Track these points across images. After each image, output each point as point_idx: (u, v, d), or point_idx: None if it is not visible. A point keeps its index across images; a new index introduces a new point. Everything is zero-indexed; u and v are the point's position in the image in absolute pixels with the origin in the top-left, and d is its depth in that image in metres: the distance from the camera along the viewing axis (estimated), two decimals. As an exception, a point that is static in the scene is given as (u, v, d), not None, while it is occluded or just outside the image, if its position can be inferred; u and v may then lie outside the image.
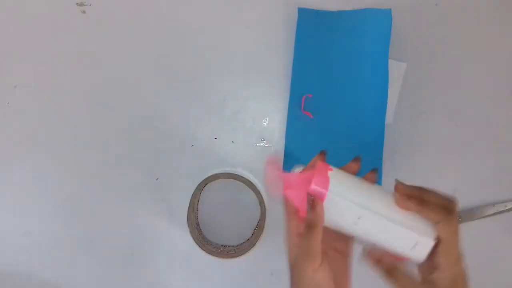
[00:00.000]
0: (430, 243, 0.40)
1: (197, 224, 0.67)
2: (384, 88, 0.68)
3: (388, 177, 0.68)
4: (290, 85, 0.69)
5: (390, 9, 0.69)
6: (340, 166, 0.47)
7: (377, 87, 0.69)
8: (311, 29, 0.70)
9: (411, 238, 0.41)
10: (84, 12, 0.70)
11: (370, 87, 0.69)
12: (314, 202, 0.42)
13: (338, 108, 0.69)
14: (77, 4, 0.70)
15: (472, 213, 0.68)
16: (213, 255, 0.63)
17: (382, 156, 0.68)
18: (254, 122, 0.70)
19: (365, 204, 0.41)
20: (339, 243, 0.44)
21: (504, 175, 0.69)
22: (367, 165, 0.68)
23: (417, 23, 0.71)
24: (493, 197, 0.69)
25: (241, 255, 0.63)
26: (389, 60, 0.70)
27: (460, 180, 0.69)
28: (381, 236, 0.42)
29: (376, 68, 0.69)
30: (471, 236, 0.68)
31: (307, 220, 0.42)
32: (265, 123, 0.69)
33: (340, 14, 0.70)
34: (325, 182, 0.42)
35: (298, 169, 0.63)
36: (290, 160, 0.69)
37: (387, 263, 0.42)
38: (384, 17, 0.69)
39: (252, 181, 0.65)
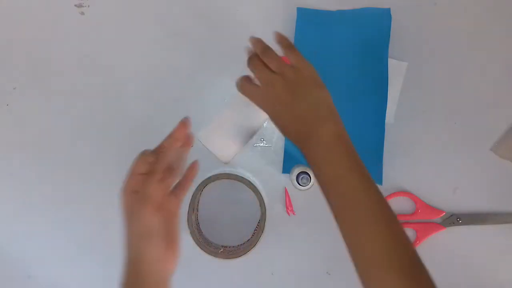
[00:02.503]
0: None
1: (198, 225, 0.67)
2: (384, 87, 0.68)
3: (389, 176, 0.68)
4: None
5: (389, 8, 0.69)
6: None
7: (377, 86, 0.69)
8: (310, 28, 0.70)
9: None
10: (82, 13, 0.70)
11: (370, 86, 0.69)
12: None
13: (338, 107, 0.69)
14: (75, 5, 0.70)
15: (473, 218, 0.68)
16: (214, 255, 0.63)
17: (383, 156, 0.68)
18: (253, 123, 0.70)
19: None
20: (170, 203, 0.48)
21: (504, 175, 0.69)
22: (367, 164, 0.68)
23: (417, 22, 0.71)
24: (493, 196, 0.69)
25: (241, 255, 0.63)
26: (390, 60, 0.69)
27: (460, 180, 0.69)
28: None
29: (376, 67, 0.69)
30: (471, 236, 0.68)
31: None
32: (265, 123, 0.69)
33: (339, 13, 0.70)
34: None
35: (297, 169, 0.63)
36: (290, 160, 0.69)
37: None
38: (383, 16, 0.69)
39: (252, 182, 0.65)
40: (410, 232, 0.69)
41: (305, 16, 0.70)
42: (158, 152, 0.50)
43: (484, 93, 0.70)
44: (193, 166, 0.53)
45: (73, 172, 0.69)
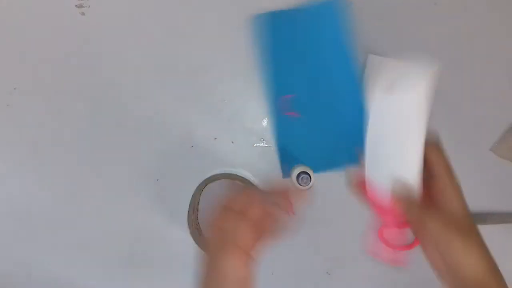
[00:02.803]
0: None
1: (197, 224, 0.67)
2: (352, 76, 0.68)
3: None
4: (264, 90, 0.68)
5: None
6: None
7: (347, 76, 0.69)
8: (273, 31, 0.69)
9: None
10: (83, 14, 0.70)
11: (341, 78, 0.69)
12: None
13: (321, 103, 0.69)
14: (76, 6, 0.70)
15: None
16: (213, 255, 0.63)
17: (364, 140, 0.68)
18: (253, 122, 0.70)
19: None
20: (254, 249, 0.46)
21: (504, 175, 0.69)
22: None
23: (417, 22, 0.71)
24: (493, 196, 0.69)
25: (241, 255, 0.63)
26: (390, 60, 0.69)
27: (459, 180, 0.69)
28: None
29: (341, 58, 0.69)
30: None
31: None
32: (264, 123, 0.69)
33: (295, 11, 0.69)
34: None
35: (297, 169, 0.63)
36: (286, 162, 0.69)
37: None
38: (334, 6, 0.68)
39: (252, 181, 0.65)
40: (410, 232, 0.68)
41: (263, 22, 0.68)
42: (257, 194, 0.46)
43: (484, 93, 0.70)
44: (289, 209, 0.47)
45: (73, 172, 0.69)
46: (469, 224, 0.44)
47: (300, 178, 0.62)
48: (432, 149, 0.44)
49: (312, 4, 0.69)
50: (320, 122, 0.69)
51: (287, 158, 0.69)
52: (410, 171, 0.42)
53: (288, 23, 0.70)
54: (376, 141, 0.44)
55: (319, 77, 0.69)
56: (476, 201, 0.69)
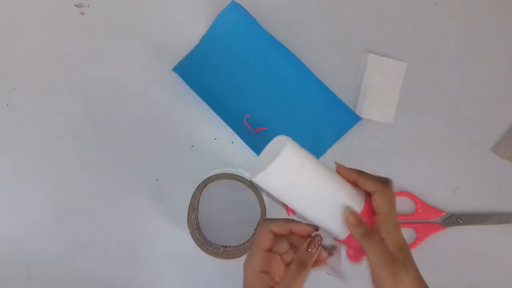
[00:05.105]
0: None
1: (197, 225, 0.67)
2: (289, 64, 0.68)
3: (388, 176, 0.67)
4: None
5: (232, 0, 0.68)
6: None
7: (286, 68, 0.68)
8: (193, 72, 0.69)
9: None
10: (82, 13, 0.70)
11: (281, 73, 0.69)
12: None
13: (281, 107, 0.69)
14: (75, 5, 0.70)
15: (473, 218, 0.68)
16: (214, 255, 0.63)
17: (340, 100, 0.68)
18: (253, 123, 0.70)
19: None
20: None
21: (504, 175, 0.69)
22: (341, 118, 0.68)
23: (417, 22, 0.71)
24: (493, 196, 0.69)
25: (241, 255, 0.63)
26: (390, 59, 0.69)
27: (460, 180, 0.69)
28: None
29: (270, 56, 0.68)
30: (471, 236, 0.69)
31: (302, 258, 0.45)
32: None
33: (202, 42, 0.69)
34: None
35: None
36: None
37: None
38: (233, 9, 0.67)
39: (252, 181, 0.64)
40: (410, 232, 0.69)
41: (183, 69, 0.68)
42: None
43: (484, 93, 0.70)
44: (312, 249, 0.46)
45: (74, 172, 0.69)
46: (403, 258, 0.42)
47: None
48: (378, 191, 0.44)
49: (211, 29, 0.69)
50: (286, 122, 0.69)
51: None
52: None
53: (202, 57, 0.69)
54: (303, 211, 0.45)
55: (264, 83, 0.69)
56: (476, 201, 0.69)
